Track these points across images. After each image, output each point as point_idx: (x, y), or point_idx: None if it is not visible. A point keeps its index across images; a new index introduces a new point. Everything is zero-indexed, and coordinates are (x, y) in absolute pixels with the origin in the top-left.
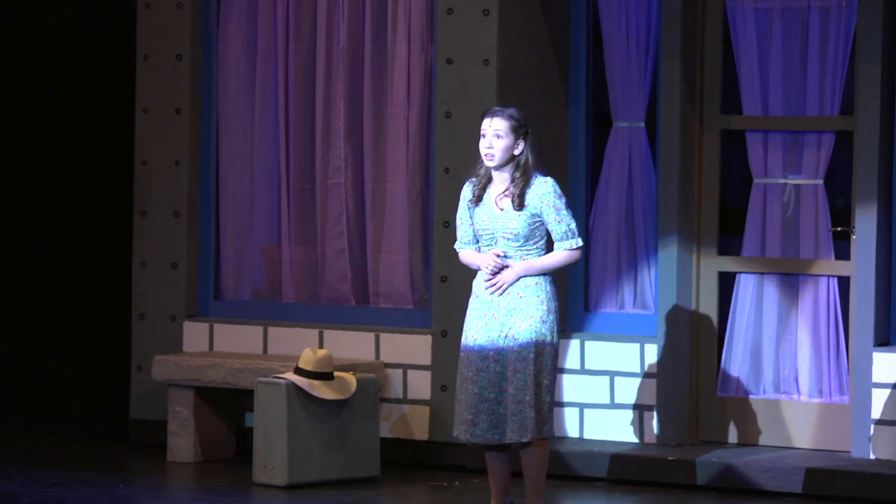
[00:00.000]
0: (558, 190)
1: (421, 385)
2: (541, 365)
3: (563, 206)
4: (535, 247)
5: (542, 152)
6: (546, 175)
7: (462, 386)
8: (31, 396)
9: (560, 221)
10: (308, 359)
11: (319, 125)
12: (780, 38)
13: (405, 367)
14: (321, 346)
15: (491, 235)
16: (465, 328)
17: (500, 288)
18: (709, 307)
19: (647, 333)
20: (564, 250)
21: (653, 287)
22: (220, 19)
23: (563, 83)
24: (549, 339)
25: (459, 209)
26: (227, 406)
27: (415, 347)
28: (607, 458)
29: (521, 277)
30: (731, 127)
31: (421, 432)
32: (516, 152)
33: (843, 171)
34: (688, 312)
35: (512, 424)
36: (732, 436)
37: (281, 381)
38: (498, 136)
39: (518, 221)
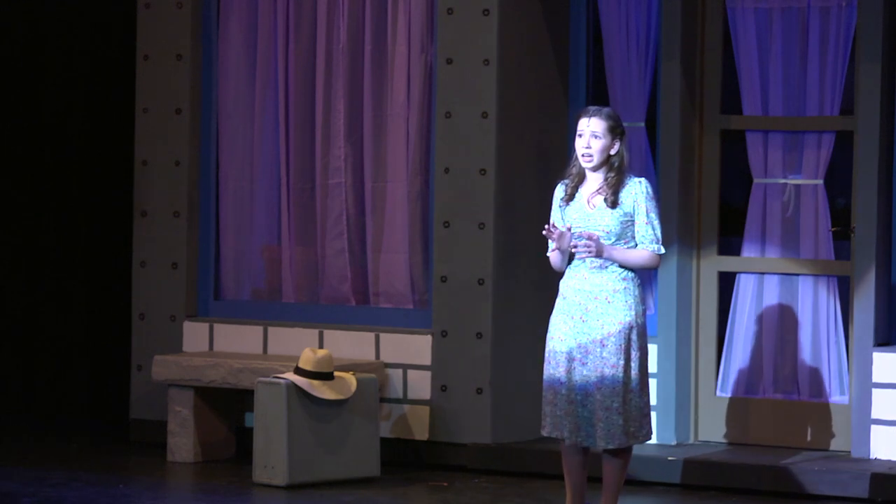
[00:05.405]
0: (651, 192)
1: (421, 385)
2: (630, 371)
3: (653, 209)
4: (626, 247)
5: (542, 152)
6: (640, 176)
7: (551, 386)
8: (31, 396)
9: (647, 224)
10: (308, 359)
11: (319, 125)
12: (780, 39)
13: (405, 367)
14: (321, 346)
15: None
16: (550, 329)
17: (589, 249)
18: (709, 307)
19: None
20: (648, 251)
21: (653, 287)
22: (220, 19)
23: (563, 83)
24: (637, 343)
25: (552, 212)
26: (227, 406)
27: (415, 347)
28: None
29: (604, 257)
30: (731, 127)
31: (421, 432)
32: (612, 152)
33: (843, 171)
34: (688, 312)
35: (600, 431)
36: (732, 436)
37: (281, 381)
38: (595, 137)
39: (611, 219)
